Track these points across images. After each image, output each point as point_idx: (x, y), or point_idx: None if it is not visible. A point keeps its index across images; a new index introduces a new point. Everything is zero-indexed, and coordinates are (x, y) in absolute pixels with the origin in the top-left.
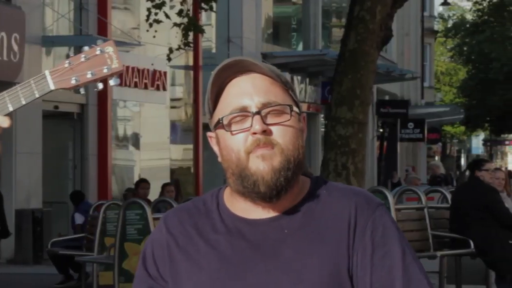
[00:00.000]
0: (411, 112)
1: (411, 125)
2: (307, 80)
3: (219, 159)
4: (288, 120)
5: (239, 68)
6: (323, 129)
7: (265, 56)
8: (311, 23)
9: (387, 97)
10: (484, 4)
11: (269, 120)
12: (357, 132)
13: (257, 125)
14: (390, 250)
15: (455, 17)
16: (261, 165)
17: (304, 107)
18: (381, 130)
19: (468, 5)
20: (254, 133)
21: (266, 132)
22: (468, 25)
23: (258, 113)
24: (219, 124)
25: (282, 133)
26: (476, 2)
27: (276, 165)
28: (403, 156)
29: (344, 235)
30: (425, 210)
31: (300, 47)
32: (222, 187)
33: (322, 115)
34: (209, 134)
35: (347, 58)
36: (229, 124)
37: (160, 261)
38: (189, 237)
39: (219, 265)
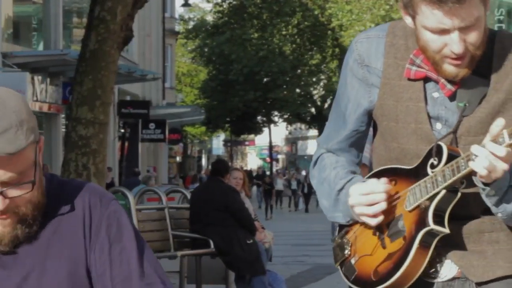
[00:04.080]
0: (153, 113)
1: (152, 125)
2: (48, 80)
3: None
4: (30, 191)
5: None
6: (64, 130)
7: (5, 56)
8: (51, 23)
9: (128, 98)
10: (225, 6)
11: (11, 192)
12: (98, 132)
13: None
14: (126, 244)
15: (196, 18)
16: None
17: (44, 107)
18: (122, 130)
19: (208, 7)
20: None
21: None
22: (209, 27)
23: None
24: None
25: (24, 203)
26: (216, 4)
27: (8, 235)
28: (144, 157)
29: (80, 234)
30: (166, 210)
31: (41, 47)
32: None
33: (63, 116)
34: None
35: (88, 58)
36: None
37: None
38: None
39: None
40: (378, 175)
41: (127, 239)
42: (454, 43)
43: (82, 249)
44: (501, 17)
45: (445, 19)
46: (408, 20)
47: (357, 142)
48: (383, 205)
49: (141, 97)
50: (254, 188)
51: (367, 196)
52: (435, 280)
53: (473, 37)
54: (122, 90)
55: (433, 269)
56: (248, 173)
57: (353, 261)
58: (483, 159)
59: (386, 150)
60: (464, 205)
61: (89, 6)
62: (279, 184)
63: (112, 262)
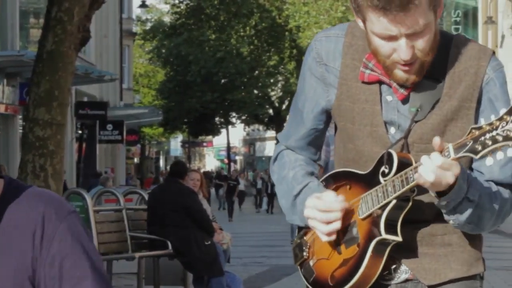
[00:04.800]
0: (110, 114)
1: (110, 126)
2: (5, 81)
3: None
4: None
5: None
6: (21, 131)
7: None
8: (8, 23)
9: (85, 99)
10: (182, 7)
11: None
12: (56, 133)
13: None
14: (78, 260)
15: (153, 19)
16: None
17: (1, 108)
18: (80, 131)
19: (166, 8)
20: None
21: None
22: (166, 28)
23: None
24: None
25: None
26: (174, 5)
27: None
28: (102, 158)
29: (29, 246)
30: (124, 211)
31: None
32: None
33: (20, 117)
34: None
35: (45, 59)
36: None
37: None
38: None
39: None
40: (334, 177)
41: (80, 255)
42: (401, 50)
43: (29, 262)
44: (458, 19)
45: (391, 26)
46: (360, 23)
47: (315, 140)
48: (337, 225)
49: (98, 98)
50: (213, 190)
51: (323, 214)
52: (389, 282)
53: (422, 44)
54: (79, 91)
55: (387, 271)
56: (208, 174)
57: (311, 263)
58: (428, 172)
59: (343, 150)
60: (417, 210)
61: (46, 6)
62: (241, 185)
63: (62, 278)
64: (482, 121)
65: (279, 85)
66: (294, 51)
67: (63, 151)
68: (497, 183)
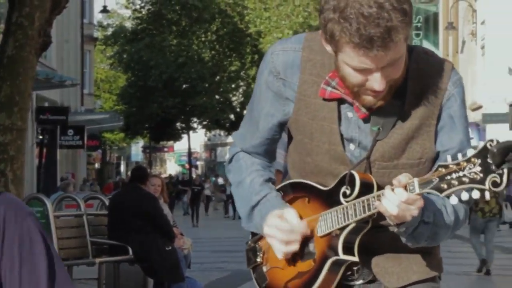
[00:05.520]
0: (71, 119)
1: (71, 132)
2: None
3: None
4: None
5: None
6: None
7: None
8: None
9: (46, 104)
10: (143, 12)
11: None
12: (16, 138)
13: None
14: (37, 264)
15: (114, 25)
16: None
17: None
18: (40, 137)
19: (127, 13)
20: None
21: None
22: (127, 33)
23: None
24: None
25: None
26: (135, 10)
27: None
28: (63, 163)
29: None
30: (84, 217)
31: None
32: None
33: None
34: None
35: (5, 64)
36: None
37: None
38: None
39: None
40: (293, 187)
41: (39, 258)
42: (376, 82)
43: None
44: (419, 24)
45: (369, 63)
46: (328, 47)
47: (271, 147)
48: (296, 247)
49: (59, 103)
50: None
51: (284, 235)
52: (353, 283)
53: (395, 72)
54: (40, 96)
55: (350, 272)
56: (171, 178)
57: (264, 269)
58: (392, 206)
59: (301, 162)
60: (381, 215)
61: (6, 11)
62: (207, 190)
63: (21, 281)
64: (449, 159)
65: (241, 90)
66: (256, 56)
67: (23, 156)
68: None
